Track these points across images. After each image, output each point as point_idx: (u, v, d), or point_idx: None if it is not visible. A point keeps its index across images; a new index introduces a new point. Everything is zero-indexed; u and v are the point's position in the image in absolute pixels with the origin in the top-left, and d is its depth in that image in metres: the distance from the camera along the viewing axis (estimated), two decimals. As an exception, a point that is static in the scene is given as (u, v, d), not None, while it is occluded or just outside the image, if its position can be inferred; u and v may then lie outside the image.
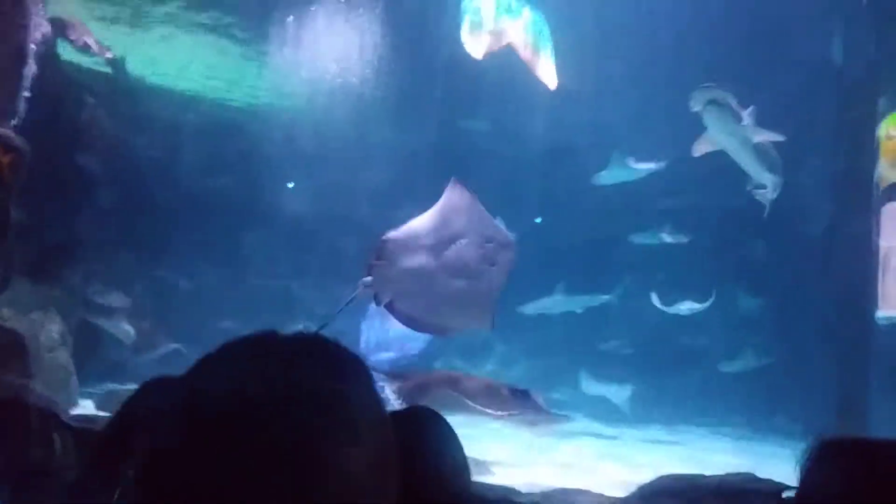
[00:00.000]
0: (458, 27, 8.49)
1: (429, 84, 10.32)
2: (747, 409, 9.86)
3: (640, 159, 10.21)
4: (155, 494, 0.67)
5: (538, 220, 12.00)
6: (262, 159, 10.17)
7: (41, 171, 6.42)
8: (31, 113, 6.33)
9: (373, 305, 6.69)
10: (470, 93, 10.44)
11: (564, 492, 3.29)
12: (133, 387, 1.84)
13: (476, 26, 8.36)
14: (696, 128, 7.47)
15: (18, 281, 6.69)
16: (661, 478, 3.20)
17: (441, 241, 5.65)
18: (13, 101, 6.10)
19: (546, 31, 8.79)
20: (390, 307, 5.79)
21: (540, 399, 5.42)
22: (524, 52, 8.60)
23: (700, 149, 7.63)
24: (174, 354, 9.14)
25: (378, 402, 0.71)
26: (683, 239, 10.48)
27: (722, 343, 10.62)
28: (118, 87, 9.32)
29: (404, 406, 1.76)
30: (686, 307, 10.19)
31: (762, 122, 7.54)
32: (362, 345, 8.16)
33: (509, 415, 5.10)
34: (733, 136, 7.37)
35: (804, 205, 9.56)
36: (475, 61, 8.53)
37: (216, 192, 10.03)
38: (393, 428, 1.69)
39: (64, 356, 6.76)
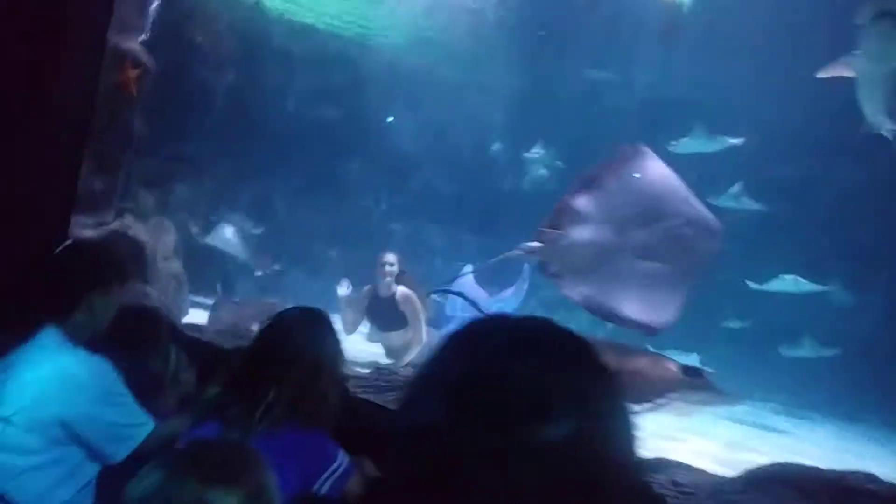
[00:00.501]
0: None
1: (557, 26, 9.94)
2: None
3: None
4: (418, 466, 0.75)
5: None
6: (372, 93, 10.14)
7: (163, 86, 6.63)
8: (156, 28, 6.50)
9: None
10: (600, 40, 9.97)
11: (664, 463, 3.13)
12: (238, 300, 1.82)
13: None
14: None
15: (137, 189, 7.04)
16: (775, 465, 3.00)
17: (631, 216, 5.12)
18: (141, 17, 6.27)
19: None
20: (557, 278, 5.32)
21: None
22: None
23: (833, 72, 6.28)
24: (277, 275, 9.49)
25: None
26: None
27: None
28: (237, 12, 9.44)
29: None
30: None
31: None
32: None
33: (679, 395, 4.19)
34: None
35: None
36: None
37: (324, 123, 10.12)
38: None
39: (177, 266, 7.09)
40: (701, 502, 2.77)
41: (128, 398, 2.52)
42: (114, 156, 6.05)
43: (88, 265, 2.64)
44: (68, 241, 2.69)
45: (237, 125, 8.89)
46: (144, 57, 6.16)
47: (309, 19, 10.24)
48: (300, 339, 2.30)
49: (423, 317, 6.40)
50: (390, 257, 6.42)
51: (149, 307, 3.57)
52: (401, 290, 6.40)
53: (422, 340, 6.29)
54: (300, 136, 9.74)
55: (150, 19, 6.45)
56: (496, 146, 11.41)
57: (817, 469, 2.91)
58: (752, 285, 9.62)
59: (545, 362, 0.74)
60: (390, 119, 10.78)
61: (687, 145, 9.72)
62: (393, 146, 10.35)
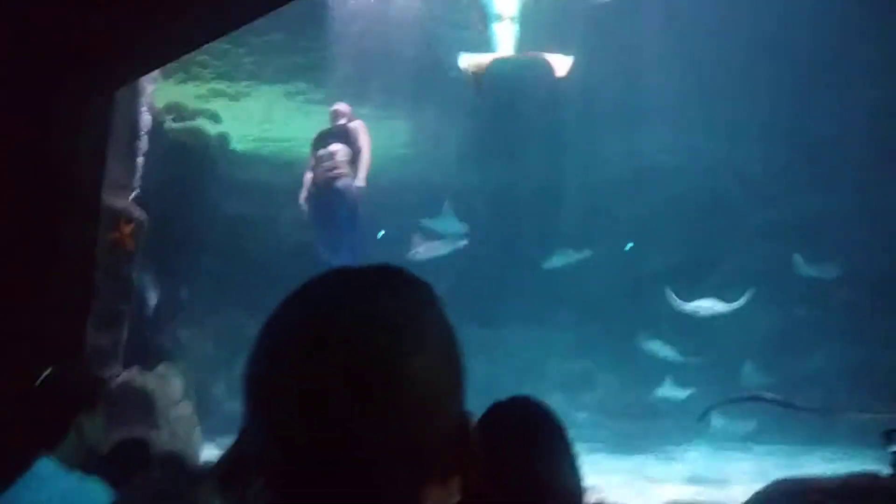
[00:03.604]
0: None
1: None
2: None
3: None
4: (252, 408, 0.73)
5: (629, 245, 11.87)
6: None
7: (155, 235, 7.01)
8: (144, 183, 6.96)
9: None
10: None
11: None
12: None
13: None
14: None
15: (141, 338, 7.26)
16: (778, 482, 3.06)
17: None
18: (131, 176, 6.72)
19: None
20: None
21: None
22: None
23: None
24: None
25: (447, 322, 0.76)
26: None
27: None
28: (220, 156, 10.07)
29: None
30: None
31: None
32: None
33: None
34: None
35: None
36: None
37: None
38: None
39: (187, 409, 7.20)
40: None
41: None
42: (117, 310, 6.31)
43: (72, 390, 2.74)
44: (47, 372, 2.79)
45: (228, 262, 9.24)
46: (137, 212, 6.57)
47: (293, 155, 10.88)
48: None
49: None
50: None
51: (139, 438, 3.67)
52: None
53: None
54: (289, 264, 10.06)
55: (138, 175, 6.90)
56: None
57: (818, 480, 2.98)
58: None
59: (391, 300, 0.73)
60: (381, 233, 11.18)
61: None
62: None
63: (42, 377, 2.71)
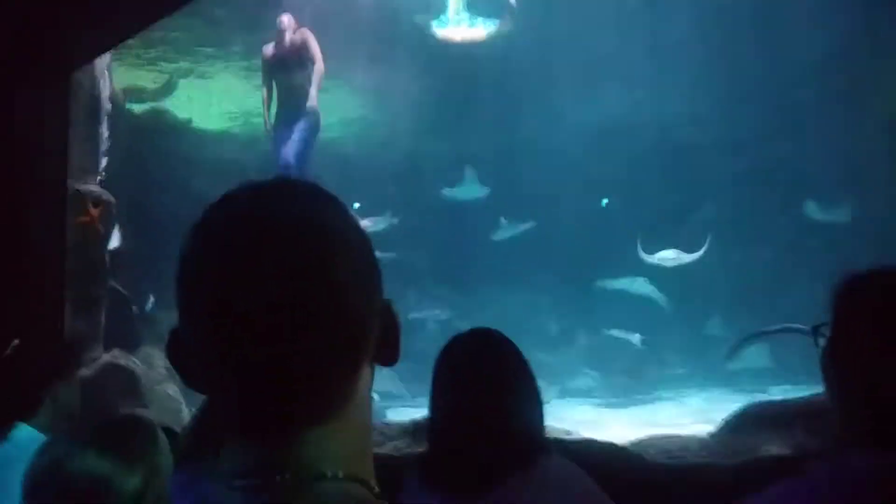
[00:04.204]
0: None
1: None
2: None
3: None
4: (182, 300, 0.76)
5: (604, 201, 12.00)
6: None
7: (125, 219, 6.97)
8: (109, 167, 6.90)
9: None
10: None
11: (654, 439, 3.32)
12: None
13: None
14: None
15: (120, 321, 7.24)
16: (749, 406, 3.21)
17: None
18: (95, 159, 6.65)
19: None
20: None
21: None
22: None
23: None
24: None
25: (357, 224, 0.81)
26: None
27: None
28: (185, 136, 9.95)
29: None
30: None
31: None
32: None
33: None
34: None
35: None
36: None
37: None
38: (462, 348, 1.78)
39: (172, 388, 7.22)
40: (692, 458, 2.97)
41: None
42: (92, 293, 6.29)
43: (43, 357, 2.81)
44: (15, 342, 2.82)
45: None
46: (104, 195, 6.51)
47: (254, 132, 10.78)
48: None
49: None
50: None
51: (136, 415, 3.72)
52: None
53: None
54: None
55: (104, 159, 6.83)
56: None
57: (784, 401, 3.13)
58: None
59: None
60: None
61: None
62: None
63: (9, 348, 2.75)
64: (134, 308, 7.86)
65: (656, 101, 10.64)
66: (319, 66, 7.69)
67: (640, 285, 10.10)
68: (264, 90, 8.00)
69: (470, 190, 10.84)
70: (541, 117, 10.80)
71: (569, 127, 10.91)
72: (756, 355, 9.01)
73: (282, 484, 0.72)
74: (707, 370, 10.02)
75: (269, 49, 7.95)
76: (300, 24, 7.98)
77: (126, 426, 1.67)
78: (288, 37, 7.80)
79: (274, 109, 7.91)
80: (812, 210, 10.10)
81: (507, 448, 1.66)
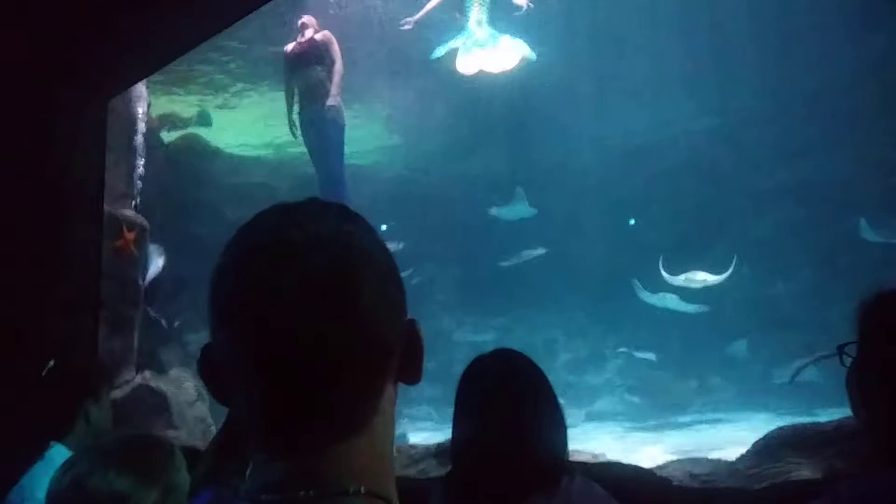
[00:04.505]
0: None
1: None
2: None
3: None
4: (216, 309, 0.79)
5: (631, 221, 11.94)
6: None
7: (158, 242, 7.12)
8: (143, 192, 7.07)
9: None
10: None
11: (682, 462, 3.27)
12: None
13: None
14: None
15: (151, 344, 7.38)
16: (779, 429, 3.14)
17: None
18: (130, 184, 6.82)
19: None
20: None
21: None
22: None
23: None
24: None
25: (383, 245, 0.83)
26: None
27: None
28: (218, 162, 10.17)
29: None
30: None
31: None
32: None
33: None
34: None
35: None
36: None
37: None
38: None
39: (202, 409, 7.31)
40: (721, 482, 2.92)
41: None
42: (126, 316, 6.42)
43: (77, 378, 2.84)
44: (51, 363, 2.89)
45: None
46: (139, 220, 6.68)
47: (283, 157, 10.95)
48: None
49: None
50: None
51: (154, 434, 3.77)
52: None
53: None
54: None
55: (138, 184, 7.01)
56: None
57: (816, 423, 3.06)
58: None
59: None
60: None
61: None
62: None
63: (46, 368, 2.83)
64: (164, 329, 7.98)
65: (684, 119, 10.61)
66: (339, 66, 7.71)
67: (670, 301, 9.92)
68: (287, 90, 8.00)
69: (519, 210, 10.77)
70: (570, 141, 10.83)
71: (597, 149, 10.92)
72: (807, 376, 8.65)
73: (305, 499, 0.74)
74: (744, 393, 9.81)
75: (289, 46, 7.98)
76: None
77: (145, 445, 1.72)
78: (309, 34, 7.83)
79: (296, 109, 7.93)
80: (865, 230, 9.66)
81: (528, 469, 1.65)
